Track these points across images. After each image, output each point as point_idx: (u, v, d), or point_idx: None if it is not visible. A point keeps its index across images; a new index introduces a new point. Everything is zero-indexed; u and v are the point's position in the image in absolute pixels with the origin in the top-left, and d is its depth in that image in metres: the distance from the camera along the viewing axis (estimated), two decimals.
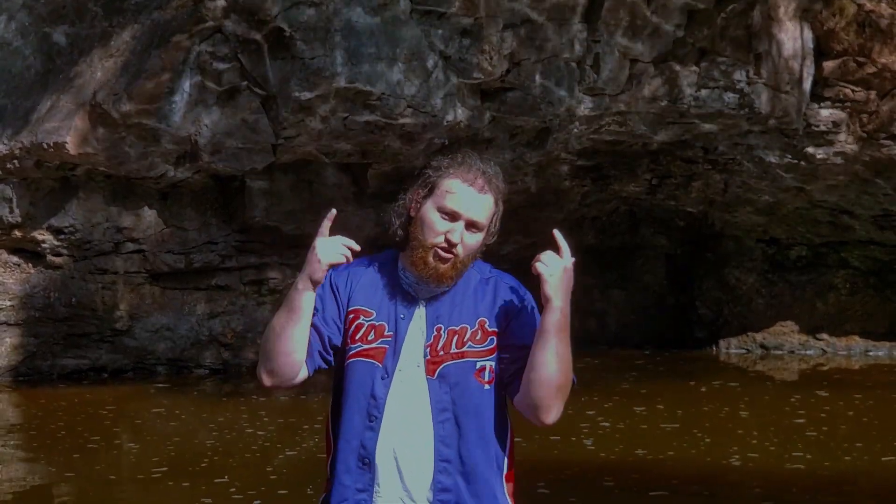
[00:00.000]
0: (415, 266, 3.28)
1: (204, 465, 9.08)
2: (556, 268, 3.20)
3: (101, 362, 13.50)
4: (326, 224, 3.27)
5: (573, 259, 3.24)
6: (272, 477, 8.64)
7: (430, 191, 3.31)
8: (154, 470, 8.99)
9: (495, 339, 3.30)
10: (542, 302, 3.23)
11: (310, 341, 3.29)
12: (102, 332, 13.39)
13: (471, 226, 3.27)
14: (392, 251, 3.43)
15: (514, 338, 3.31)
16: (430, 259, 3.26)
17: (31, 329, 13.15)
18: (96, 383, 13.05)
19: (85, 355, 13.42)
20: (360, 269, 3.39)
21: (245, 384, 13.13)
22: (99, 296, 13.23)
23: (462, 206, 3.26)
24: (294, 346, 3.25)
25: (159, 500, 8.21)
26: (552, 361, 3.20)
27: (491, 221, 3.33)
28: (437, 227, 3.26)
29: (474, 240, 3.29)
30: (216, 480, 8.50)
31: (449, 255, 3.25)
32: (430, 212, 3.28)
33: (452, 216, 3.26)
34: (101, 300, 13.24)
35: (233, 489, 8.20)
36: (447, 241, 3.24)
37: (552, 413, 3.26)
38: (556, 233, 3.25)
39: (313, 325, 3.29)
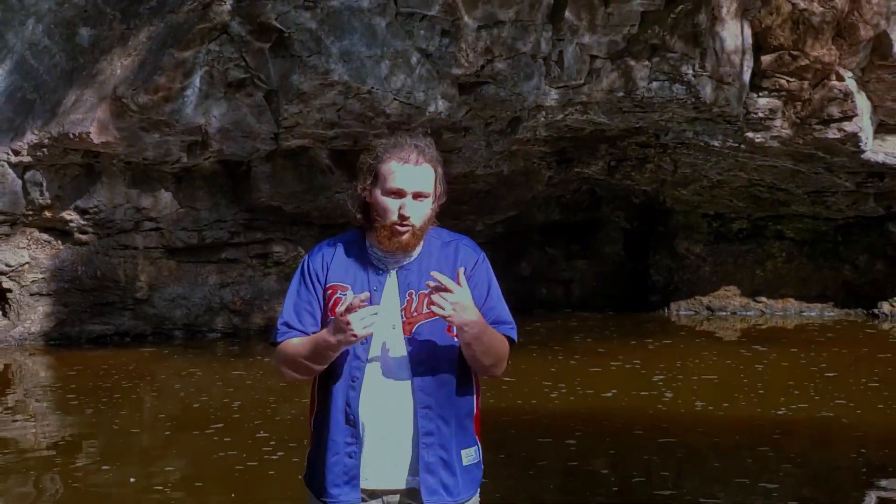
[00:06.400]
0: (381, 243, 3.38)
1: (217, 417, 9.14)
2: (450, 306, 3.20)
3: (123, 328, 13.53)
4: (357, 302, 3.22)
5: (462, 287, 3.23)
6: (285, 428, 8.70)
7: (375, 178, 3.37)
8: (174, 422, 9.04)
9: None
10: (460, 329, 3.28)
11: (304, 320, 3.44)
12: (125, 301, 13.41)
13: (417, 196, 3.34)
14: (356, 230, 3.52)
15: None
16: (392, 235, 3.35)
17: (60, 299, 13.16)
18: (120, 347, 13.06)
19: (109, 322, 13.45)
20: (330, 250, 3.48)
21: (253, 346, 13.17)
22: (121, 269, 13.25)
23: (404, 183, 3.32)
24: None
25: (180, 449, 8.26)
26: (481, 358, 3.34)
27: (435, 186, 3.40)
28: (389, 207, 3.33)
29: (424, 207, 3.37)
30: (229, 432, 8.56)
31: (406, 227, 3.33)
32: (379, 197, 3.36)
33: (398, 194, 3.33)
34: (123, 273, 13.26)
35: (238, 438, 8.28)
36: (400, 215, 3.32)
37: (494, 374, 3.41)
38: (436, 275, 3.24)
39: (308, 305, 3.44)
